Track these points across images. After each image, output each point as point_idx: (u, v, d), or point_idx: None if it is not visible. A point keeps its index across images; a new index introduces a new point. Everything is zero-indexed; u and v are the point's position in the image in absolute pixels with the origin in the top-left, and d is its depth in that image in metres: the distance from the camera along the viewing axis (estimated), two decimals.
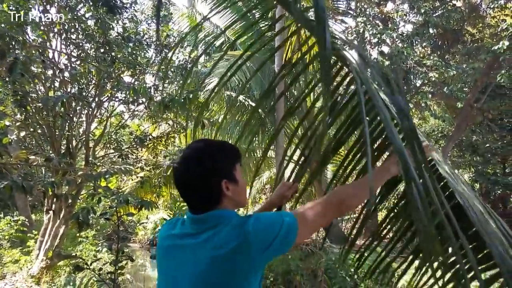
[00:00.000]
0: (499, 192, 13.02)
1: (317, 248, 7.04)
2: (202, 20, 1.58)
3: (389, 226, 1.76)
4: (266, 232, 0.96)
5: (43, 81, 5.59)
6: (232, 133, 9.34)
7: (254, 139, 9.07)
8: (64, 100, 4.90)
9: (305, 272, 6.41)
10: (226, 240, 0.96)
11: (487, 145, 12.32)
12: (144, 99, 5.53)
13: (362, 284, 5.60)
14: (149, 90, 5.28)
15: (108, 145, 6.92)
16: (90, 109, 5.99)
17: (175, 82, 7.02)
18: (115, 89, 5.82)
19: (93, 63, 5.37)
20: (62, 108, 5.12)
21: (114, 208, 3.08)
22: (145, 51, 6.33)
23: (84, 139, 6.09)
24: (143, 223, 11.06)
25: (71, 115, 5.80)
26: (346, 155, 1.72)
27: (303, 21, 0.91)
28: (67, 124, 5.75)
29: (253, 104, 7.99)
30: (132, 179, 9.19)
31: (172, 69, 6.57)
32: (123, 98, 6.28)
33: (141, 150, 7.89)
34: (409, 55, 9.04)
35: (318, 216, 1.04)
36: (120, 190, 6.64)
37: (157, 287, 1.13)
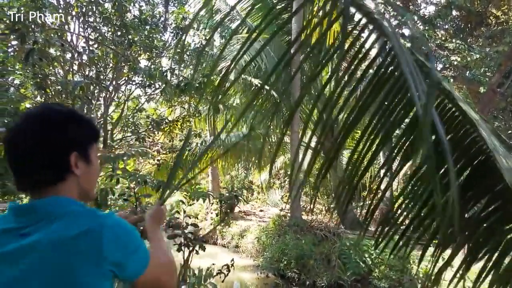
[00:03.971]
0: None
1: (331, 233, 7.06)
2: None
3: (405, 213, 1.73)
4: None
5: (62, 64, 5.66)
6: (247, 117, 9.33)
7: (269, 123, 9.05)
8: (83, 84, 4.97)
9: (318, 257, 6.46)
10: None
11: (510, 131, 11.95)
12: (160, 83, 5.56)
13: (377, 269, 5.60)
14: (165, 74, 5.29)
15: (125, 128, 7.02)
16: (108, 93, 6.07)
17: (191, 66, 7.01)
18: (132, 73, 5.86)
19: (110, 46, 5.41)
20: (81, 92, 5.19)
21: (133, 189, 3.14)
22: (161, 34, 6.33)
23: (102, 122, 6.18)
24: None
25: (89, 98, 5.88)
26: (360, 139, 1.68)
27: None
28: (85, 107, 5.84)
29: (269, 88, 7.93)
30: (149, 163, 9.34)
31: (188, 53, 6.55)
32: (140, 82, 6.33)
33: (158, 133, 7.98)
34: (431, 38, 8.76)
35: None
36: (138, 172, 6.76)
37: None
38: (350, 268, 5.82)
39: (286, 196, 13.31)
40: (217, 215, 10.59)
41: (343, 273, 5.88)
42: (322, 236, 6.95)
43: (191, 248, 3.13)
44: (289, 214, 8.87)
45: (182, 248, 3.11)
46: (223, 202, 2.85)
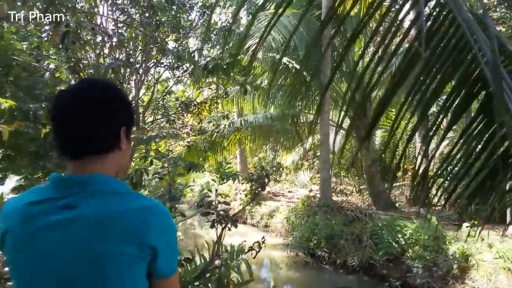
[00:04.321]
0: None
1: (362, 214, 7.04)
2: None
3: (439, 194, 1.70)
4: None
5: (93, 47, 5.83)
6: (275, 97, 9.29)
7: (298, 103, 8.97)
8: (114, 67, 5.12)
9: (349, 237, 6.48)
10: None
11: None
12: (188, 65, 5.63)
13: (410, 250, 5.56)
14: (193, 55, 5.35)
15: (156, 111, 7.20)
16: (138, 76, 6.22)
17: (218, 46, 7.02)
18: (160, 55, 5.96)
19: (139, 28, 5.51)
20: (112, 75, 5.35)
21: (167, 168, 3.26)
22: (188, 14, 6.36)
23: (133, 104, 6.38)
24: (190, 186, 11.61)
25: (121, 81, 6.05)
26: (396, 117, 1.59)
27: None
28: None
29: (298, 67, 7.83)
30: (179, 145, 9.58)
31: (215, 32, 6.56)
32: (168, 64, 6.43)
33: (187, 115, 8.14)
34: (473, 7, 8.28)
35: None
36: (170, 154, 6.97)
37: None
38: (382, 248, 5.80)
39: (315, 177, 13.29)
40: (246, 196, 10.77)
41: (375, 253, 5.88)
42: (353, 216, 6.93)
43: (223, 225, 3.24)
44: (318, 195, 8.89)
45: (215, 225, 3.22)
46: (253, 181, 2.91)
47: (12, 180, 8.29)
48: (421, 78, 1.27)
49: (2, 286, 4.41)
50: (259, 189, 3.13)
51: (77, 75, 5.84)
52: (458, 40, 1.19)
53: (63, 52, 5.83)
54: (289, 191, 12.40)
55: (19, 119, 3.68)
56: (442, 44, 1.24)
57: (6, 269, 5.21)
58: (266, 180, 3.03)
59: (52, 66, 6.78)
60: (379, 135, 11.01)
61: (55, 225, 0.76)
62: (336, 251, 6.49)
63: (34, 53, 7.36)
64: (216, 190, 3.46)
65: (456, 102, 1.27)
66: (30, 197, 0.81)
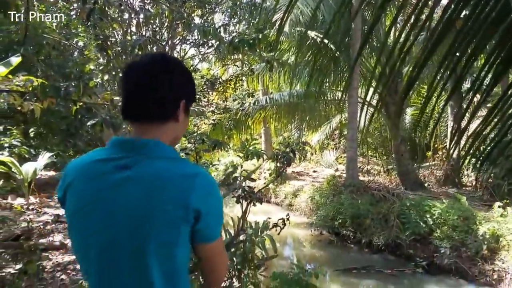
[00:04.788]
0: None
1: (390, 194, 7.02)
2: None
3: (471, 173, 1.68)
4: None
5: (121, 24, 5.97)
6: (301, 74, 9.22)
7: (325, 80, 8.87)
8: (141, 43, 5.25)
9: (375, 217, 6.50)
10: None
11: None
12: (214, 41, 5.68)
13: (438, 230, 5.55)
14: (218, 30, 5.39)
15: None
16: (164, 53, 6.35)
17: (244, 21, 7.02)
18: (186, 31, 6.04)
19: (165, 4, 5.59)
20: (139, 52, 5.49)
21: (193, 145, 3.38)
22: None
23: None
24: (215, 164, 11.87)
25: None
26: (428, 93, 1.55)
27: None
28: None
29: (326, 41, 7.69)
30: (205, 123, 9.76)
31: (241, 6, 6.55)
32: (194, 41, 6.51)
33: (212, 93, 8.26)
34: None
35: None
36: (196, 131, 7.16)
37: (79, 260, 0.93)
38: (410, 228, 5.81)
39: (341, 157, 13.23)
40: (270, 175, 10.91)
41: (402, 233, 5.90)
42: (380, 196, 6.93)
43: (248, 200, 3.36)
44: (344, 175, 8.90)
45: (241, 200, 3.34)
46: (279, 156, 2.97)
47: (45, 157, 8.75)
48: (456, 45, 1.23)
49: (38, 256, 4.77)
50: (285, 166, 3.20)
51: (105, 53, 6.03)
52: None
53: (91, 30, 6.01)
54: (314, 171, 12.44)
55: (51, 96, 3.89)
56: (479, 6, 1.17)
57: (41, 240, 5.56)
58: (292, 156, 3.09)
59: (81, 43, 7.02)
60: (409, 113, 10.79)
61: (113, 183, 0.85)
62: (361, 230, 6.55)
63: (64, 32, 7.62)
64: (241, 166, 3.57)
65: (493, 70, 1.23)
66: (94, 156, 0.91)
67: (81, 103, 4.24)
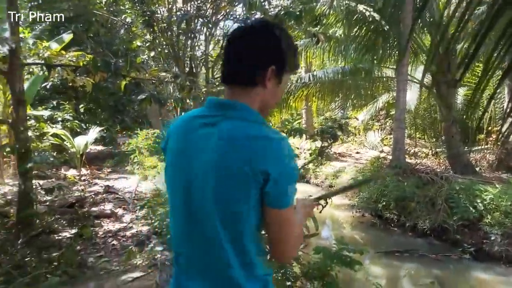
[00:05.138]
0: None
1: (438, 177, 6.81)
2: None
3: None
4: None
5: (166, 0, 6.13)
6: (347, 50, 8.98)
7: (373, 56, 8.59)
8: (186, 19, 5.38)
9: (422, 200, 6.36)
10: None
11: None
12: (258, 15, 5.69)
13: (489, 216, 5.35)
14: (263, 2, 5.38)
15: None
16: (208, 29, 6.45)
17: None
18: (229, 6, 6.09)
19: None
20: (185, 26, 5.59)
21: None
22: None
23: (203, 59, 6.68)
24: None
25: (191, 35, 6.33)
26: (483, 73, 1.43)
27: None
28: (189, 43, 6.33)
29: (376, 15, 7.42)
30: None
31: None
32: (238, 16, 6.56)
33: None
34: None
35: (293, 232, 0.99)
36: None
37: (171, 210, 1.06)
38: (458, 212, 5.63)
39: (387, 138, 12.90)
40: (310, 155, 10.90)
41: (449, 217, 5.73)
42: (427, 179, 6.74)
43: None
44: (389, 157, 8.71)
45: None
46: (325, 132, 2.98)
47: (95, 131, 9.28)
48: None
49: (92, 222, 5.13)
50: (331, 142, 3.20)
51: (151, 29, 6.25)
52: None
53: (138, 6, 6.22)
54: (357, 152, 12.26)
55: (101, 71, 4.12)
56: None
57: (93, 208, 5.92)
58: (341, 131, 3.08)
59: (128, 19, 7.28)
60: (461, 93, 10.25)
61: (199, 138, 0.96)
62: (406, 213, 6.44)
63: (112, 9, 7.94)
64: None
65: None
66: (193, 113, 1.04)
67: (129, 78, 4.45)
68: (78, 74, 4.49)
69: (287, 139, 0.96)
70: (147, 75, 4.96)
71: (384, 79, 9.70)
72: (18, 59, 3.84)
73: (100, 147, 12.10)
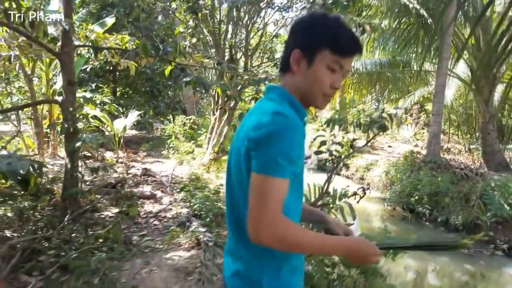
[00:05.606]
0: None
1: (473, 173, 6.90)
2: None
3: None
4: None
5: None
6: (385, 44, 9.04)
7: (413, 49, 8.61)
8: (234, 6, 5.55)
9: (455, 195, 6.47)
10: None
11: None
12: (303, 3, 5.82)
13: None
14: None
15: (262, 55, 7.69)
16: (250, 18, 6.66)
17: None
18: None
19: None
20: (228, 13, 5.66)
21: None
22: None
23: (244, 47, 6.93)
24: None
25: (235, 21, 6.50)
26: None
27: None
28: (230, 30, 6.55)
29: (419, 7, 7.45)
30: None
31: None
32: (279, 5, 6.75)
33: None
34: None
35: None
36: None
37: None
38: (492, 209, 5.74)
39: (420, 133, 12.87)
40: (342, 147, 11.02)
41: (483, 214, 5.85)
42: (462, 175, 6.83)
43: (335, 164, 3.64)
44: (422, 151, 8.77)
45: (327, 164, 3.60)
46: (373, 122, 3.17)
47: (134, 115, 9.61)
48: None
49: (135, 202, 5.29)
50: (378, 132, 3.37)
51: (195, 15, 6.51)
52: None
53: None
54: (389, 146, 12.31)
55: (150, 55, 4.32)
56: None
57: (134, 190, 6.08)
58: (391, 120, 3.24)
59: (174, 5, 7.58)
60: (499, 90, 10.12)
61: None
62: (438, 208, 6.57)
63: None
64: (331, 131, 3.82)
65: None
66: None
67: (174, 64, 4.69)
68: (126, 57, 4.66)
69: (284, 115, 0.93)
70: (191, 61, 5.19)
71: (423, 72, 9.71)
72: (71, 40, 3.89)
73: (134, 131, 12.52)
